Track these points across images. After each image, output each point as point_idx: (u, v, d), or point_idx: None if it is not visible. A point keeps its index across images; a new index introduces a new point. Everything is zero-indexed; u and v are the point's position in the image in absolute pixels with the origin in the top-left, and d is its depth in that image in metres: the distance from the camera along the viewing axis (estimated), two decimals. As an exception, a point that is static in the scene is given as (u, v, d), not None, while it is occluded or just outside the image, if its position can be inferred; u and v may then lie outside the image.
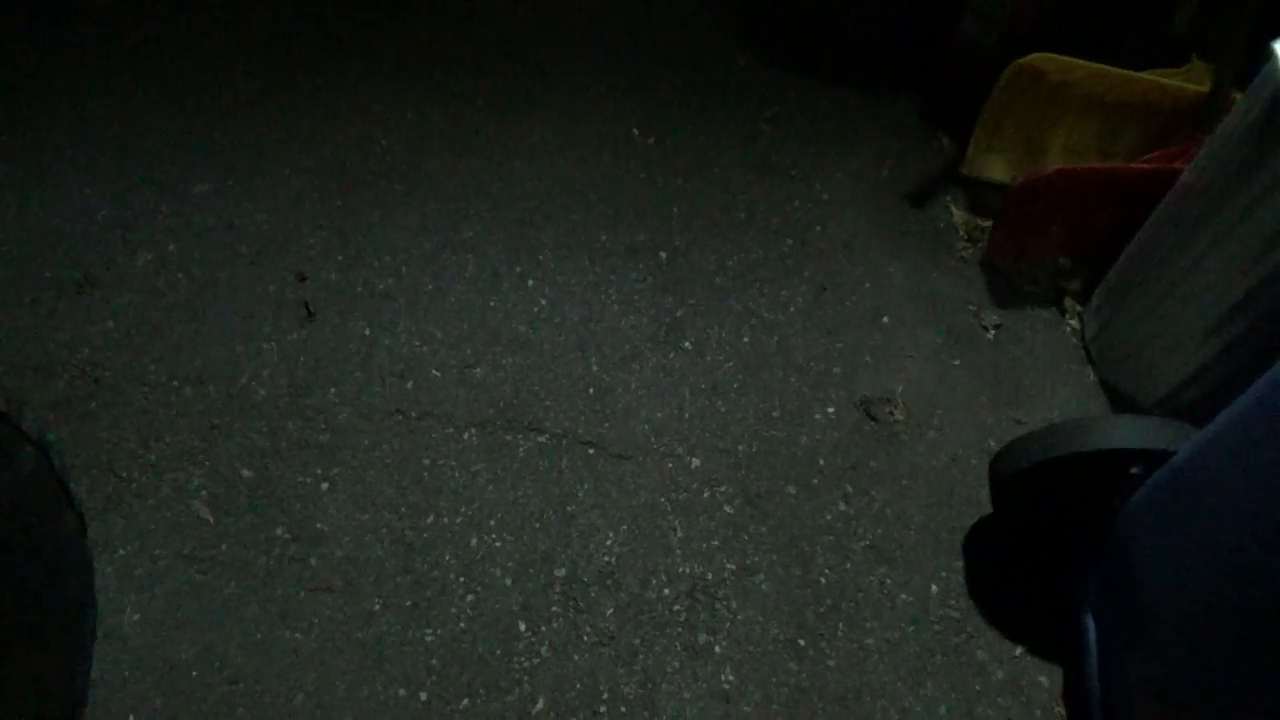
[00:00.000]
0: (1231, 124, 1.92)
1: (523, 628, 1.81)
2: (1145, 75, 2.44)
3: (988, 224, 2.64)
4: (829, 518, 2.04)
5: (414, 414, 2.08)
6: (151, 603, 1.75)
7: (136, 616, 1.73)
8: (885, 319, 2.42)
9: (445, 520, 1.93)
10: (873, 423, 2.21)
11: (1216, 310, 1.94)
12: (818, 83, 3.06)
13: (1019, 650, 1.89)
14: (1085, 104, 2.49)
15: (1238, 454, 1.38)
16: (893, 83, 3.10)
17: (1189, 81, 2.45)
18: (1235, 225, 1.85)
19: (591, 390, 2.17)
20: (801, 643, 1.85)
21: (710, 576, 1.92)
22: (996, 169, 2.71)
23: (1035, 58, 2.41)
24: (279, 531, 1.87)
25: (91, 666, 1.60)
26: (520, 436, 2.07)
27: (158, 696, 1.65)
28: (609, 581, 1.89)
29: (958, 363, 2.35)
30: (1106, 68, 2.41)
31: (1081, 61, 2.40)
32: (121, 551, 1.80)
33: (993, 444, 2.17)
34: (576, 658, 1.78)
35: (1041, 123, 2.57)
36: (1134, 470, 1.67)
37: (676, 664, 1.80)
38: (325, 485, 1.95)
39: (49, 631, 1.42)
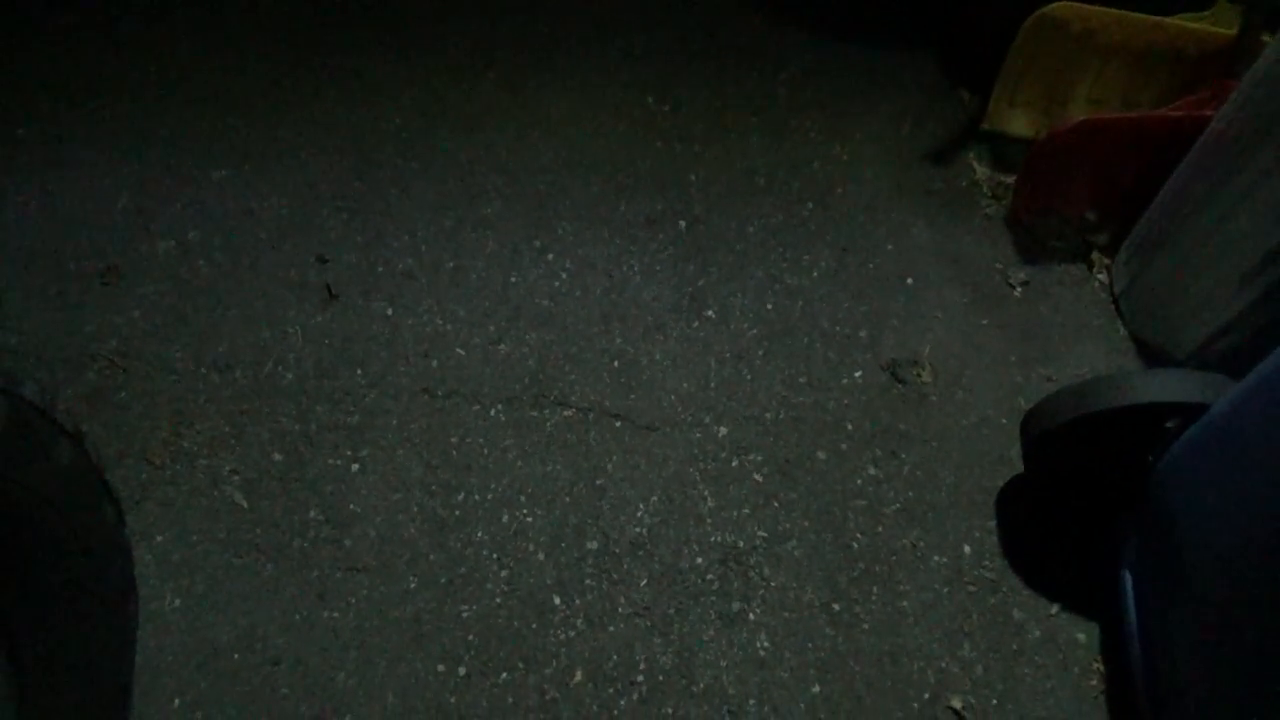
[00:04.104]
0: (1262, 68, 1.87)
1: (557, 601, 1.82)
2: (1170, 20, 2.38)
3: (1012, 180, 2.60)
4: (859, 482, 2.03)
5: (440, 392, 2.08)
6: (191, 588, 1.77)
7: (177, 602, 1.75)
8: (910, 280, 2.40)
9: (476, 497, 1.94)
10: (901, 385, 2.19)
11: (1250, 259, 1.90)
12: (834, 41, 3.01)
13: (1055, 608, 1.88)
14: (1109, 52, 2.44)
15: (1276, 405, 1.36)
16: (910, 38, 3.05)
17: (1216, 25, 2.39)
18: (1269, 172, 1.81)
19: (616, 363, 2.17)
20: (836, 607, 1.85)
21: (742, 544, 1.92)
22: (1019, 123, 2.66)
23: (1056, 6, 2.36)
24: (312, 514, 1.89)
25: (135, 652, 1.63)
26: (547, 411, 2.08)
27: (202, 679, 1.68)
28: (641, 552, 1.89)
29: (985, 322, 2.33)
30: (1130, 14, 2.36)
31: (1104, 9, 2.35)
32: (159, 539, 1.82)
33: (1022, 402, 2.15)
34: (612, 629, 1.79)
35: (1064, 73, 2.52)
36: (1169, 424, 1.65)
37: (712, 632, 1.80)
38: (356, 466, 1.96)
39: (93, 620, 1.44)
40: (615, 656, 1.76)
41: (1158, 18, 2.36)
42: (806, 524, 1.96)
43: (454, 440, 2.02)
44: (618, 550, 1.89)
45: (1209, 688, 1.47)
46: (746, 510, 1.97)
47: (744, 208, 2.52)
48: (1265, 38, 2.19)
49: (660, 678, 1.74)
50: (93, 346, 2.07)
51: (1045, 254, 2.48)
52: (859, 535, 1.95)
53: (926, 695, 1.76)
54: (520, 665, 1.74)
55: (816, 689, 1.76)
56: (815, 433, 2.10)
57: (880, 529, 1.97)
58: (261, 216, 2.36)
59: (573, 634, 1.78)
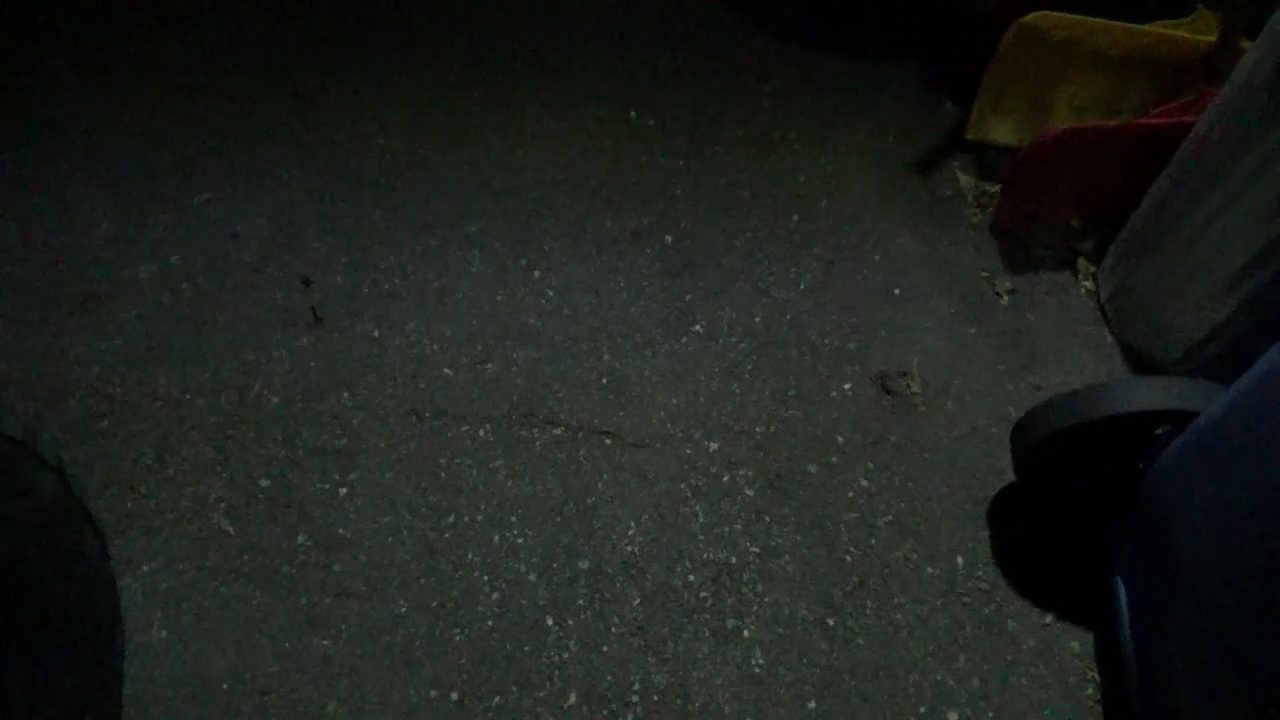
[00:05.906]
0: (1242, 74, 1.88)
1: (550, 622, 1.80)
2: (1150, 27, 2.40)
3: (996, 188, 2.61)
4: (851, 495, 2.02)
5: (428, 414, 2.07)
6: (179, 617, 1.75)
7: (164, 632, 1.73)
8: (897, 291, 2.40)
9: (466, 519, 1.92)
10: (890, 396, 2.19)
11: (1235, 264, 1.91)
12: (817, 52, 3.02)
13: (1049, 618, 1.88)
14: (1090, 60, 2.45)
15: (1265, 411, 1.35)
16: (893, 49, 3.06)
17: (1195, 32, 2.40)
18: (1252, 177, 1.82)
19: (605, 380, 2.16)
20: (830, 622, 1.84)
21: (735, 561, 1.91)
22: (1003, 132, 2.67)
23: (1037, 16, 2.37)
24: (301, 539, 1.87)
25: (123, 684, 1.61)
26: (536, 430, 2.06)
27: (191, 710, 1.66)
28: (633, 571, 1.88)
29: (973, 331, 2.33)
30: (1110, 22, 2.37)
31: (1083, 17, 2.36)
32: (145, 568, 1.80)
33: (1012, 411, 2.15)
34: (606, 649, 1.78)
35: (1046, 82, 2.53)
36: (1159, 432, 1.65)
37: (706, 650, 1.79)
38: (344, 490, 1.94)
39: (80, 652, 1.43)
40: (610, 677, 1.75)
41: (1137, 25, 2.37)
42: (799, 538, 1.95)
43: (443, 462, 2.00)
44: (610, 569, 1.88)
45: (1204, 695, 1.47)
46: (738, 526, 1.96)
47: (730, 221, 2.52)
48: (1244, 44, 2.20)
49: (655, 698, 1.73)
50: (75, 374, 2.05)
51: (1031, 262, 2.48)
52: (852, 549, 1.95)
53: (923, 709, 1.75)
54: (514, 689, 1.72)
55: (812, 705, 1.74)
56: (806, 446, 2.09)
57: (873, 542, 1.96)
58: (244, 239, 2.35)
59: (566, 655, 1.77)
